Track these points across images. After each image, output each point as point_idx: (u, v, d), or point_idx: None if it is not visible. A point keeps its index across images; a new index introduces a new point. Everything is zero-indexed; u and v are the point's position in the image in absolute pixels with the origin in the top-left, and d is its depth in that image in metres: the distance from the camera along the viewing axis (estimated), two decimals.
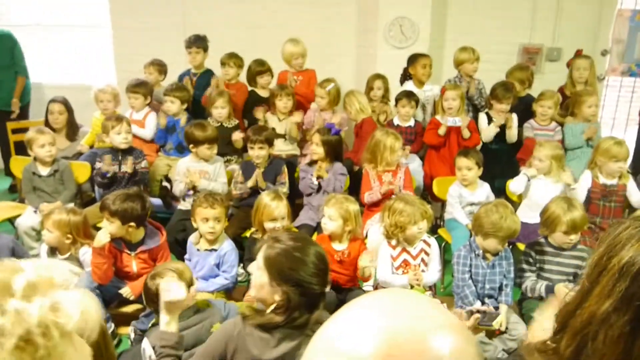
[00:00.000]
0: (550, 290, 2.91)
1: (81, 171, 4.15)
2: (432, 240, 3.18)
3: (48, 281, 0.71)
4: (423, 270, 3.08)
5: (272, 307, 1.93)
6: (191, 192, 3.86)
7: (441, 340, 0.55)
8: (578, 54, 4.79)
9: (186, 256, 3.23)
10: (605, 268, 0.94)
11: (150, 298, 2.39)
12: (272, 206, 3.08)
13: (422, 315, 0.57)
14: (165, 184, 4.58)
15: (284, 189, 3.83)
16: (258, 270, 1.96)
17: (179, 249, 3.48)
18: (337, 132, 4.24)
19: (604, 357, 0.91)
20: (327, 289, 2.35)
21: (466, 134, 4.30)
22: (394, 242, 3.09)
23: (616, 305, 0.91)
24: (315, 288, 1.93)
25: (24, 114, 5.46)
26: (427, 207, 3.07)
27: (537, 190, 3.71)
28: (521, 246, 3.25)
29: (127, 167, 3.92)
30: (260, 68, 4.77)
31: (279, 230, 3.04)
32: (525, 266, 3.09)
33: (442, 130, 4.29)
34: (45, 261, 0.73)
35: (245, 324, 1.95)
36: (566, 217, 2.92)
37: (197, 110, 4.80)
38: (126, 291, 3.02)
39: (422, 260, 3.10)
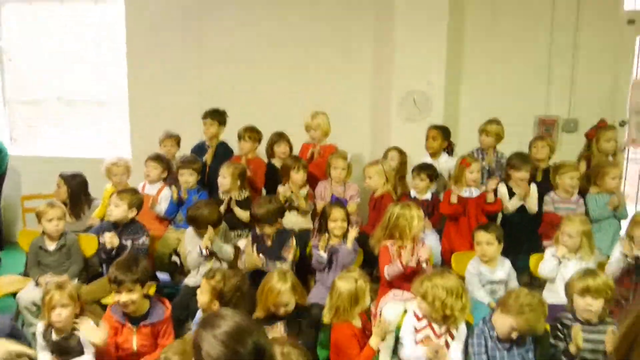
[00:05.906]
0: None
1: (88, 244, 4.06)
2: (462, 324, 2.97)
3: None
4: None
5: None
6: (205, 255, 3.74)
7: None
8: (602, 125, 4.65)
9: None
10: None
11: None
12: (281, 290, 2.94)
13: None
14: (174, 258, 4.46)
15: (285, 266, 3.63)
16: None
17: (178, 327, 3.29)
18: (345, 203, 4.24)
19: None
20: None
21: (490, 197, 4.21)
22: (420, 314, 2.94)
23: None
24: None
25: None
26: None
27: (568, 271, 3.35)
28: (547, 326, 3.03)
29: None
30: (277, 138, 4.83)
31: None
32: (555, 341, 2.90)
33: (453, 199, 4.19)
34: None
35: None
36: (580, 281, 2.89)
37: (212, 181, 4.77)
38: None
39: (446, 341, 2.90)
